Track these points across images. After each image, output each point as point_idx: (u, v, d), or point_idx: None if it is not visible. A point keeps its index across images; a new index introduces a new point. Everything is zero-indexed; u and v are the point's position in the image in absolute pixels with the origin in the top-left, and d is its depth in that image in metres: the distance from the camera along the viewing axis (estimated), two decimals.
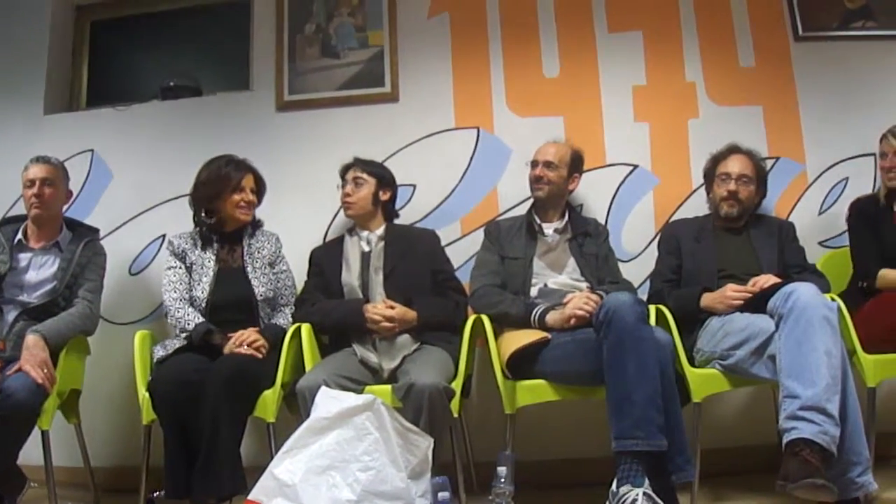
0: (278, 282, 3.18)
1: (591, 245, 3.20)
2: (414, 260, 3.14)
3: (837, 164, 3.61)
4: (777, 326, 2.54)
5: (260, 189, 3.23)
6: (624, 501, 2.23)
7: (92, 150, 3.77)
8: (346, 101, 3.66)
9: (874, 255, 3.09)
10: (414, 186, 3.56)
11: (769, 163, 3.45)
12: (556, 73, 3.67)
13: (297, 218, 3.50)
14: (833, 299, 2.75)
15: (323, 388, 2.48)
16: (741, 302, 2.86)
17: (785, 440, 2.29)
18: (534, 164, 3.24)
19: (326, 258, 3.19)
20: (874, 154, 3.30)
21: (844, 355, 2.46)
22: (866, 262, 3.11)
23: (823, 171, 3.60)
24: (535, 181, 3.22)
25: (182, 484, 2.61)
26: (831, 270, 3.23)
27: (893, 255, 3.06)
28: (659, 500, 2.25)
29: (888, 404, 3.28)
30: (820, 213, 3.58)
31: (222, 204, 3.11)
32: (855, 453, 2.36)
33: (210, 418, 2.59)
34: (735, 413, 3.38)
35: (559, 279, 3.10)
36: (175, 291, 3.04)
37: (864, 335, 2.82)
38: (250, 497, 2.29)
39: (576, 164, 3.26)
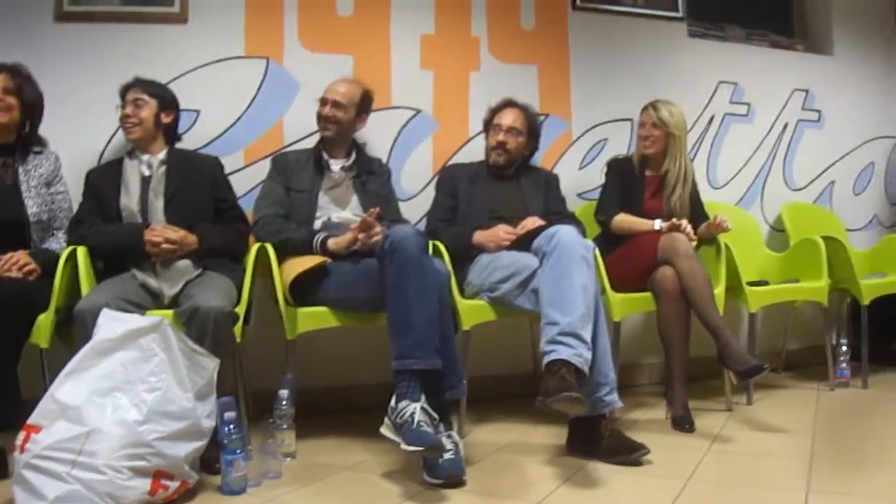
0: (53, 203, 2.97)
1: (374, 183, 3.31)
2: (196, 186, 3.06)
3: (599, 125, 4.00)
4: (541, 263, 2.80)
5: (23, 92, 2.90)
6: (402, 415, 2.36)
7: None
8: (131, 17, 3.42)
9: (616, 202, 3.49)
10: (198, 112, 3.44)
11: (540, 119, 3.69)
12: (350, 11, 3.68)
13: (72, 137, 3.24)
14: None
15: (105, 309, 2.40)
16: (509, 242, 3.12)
17: (545, 361, 2.53)
18: (323, 101, 3.26)
19: (104, 180, 3.02)
20: (631, 120, 3.66)
21: (598, 290, 2.78)
22: (609, 204, 3.51)
23: (586, 131, 3.99)
24: (324, 121, 3.24)
25: None
26: (587, 219, 3.58)
27: (633, 212, 3.46)
28: (434, 414, 2.40)
29: (630, 339, 3.76)
30: (580, 168, 3.96)
31: None
32: (603, 375, 2.69)
33: None
34: (496, 344, 3.59)
35: (343, 214, 3.18)
36: None
37: (612, 276, 3.20)
38: (29, 422, 2.17)
39: (364, 104, 3.31)
